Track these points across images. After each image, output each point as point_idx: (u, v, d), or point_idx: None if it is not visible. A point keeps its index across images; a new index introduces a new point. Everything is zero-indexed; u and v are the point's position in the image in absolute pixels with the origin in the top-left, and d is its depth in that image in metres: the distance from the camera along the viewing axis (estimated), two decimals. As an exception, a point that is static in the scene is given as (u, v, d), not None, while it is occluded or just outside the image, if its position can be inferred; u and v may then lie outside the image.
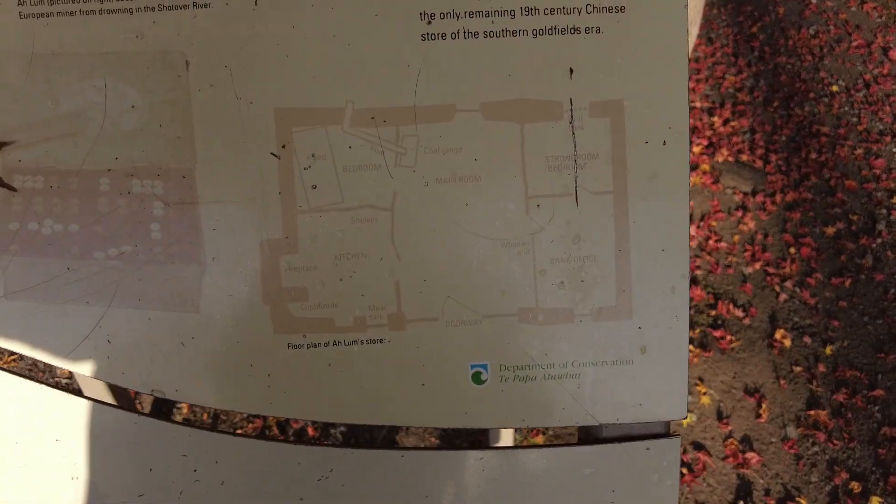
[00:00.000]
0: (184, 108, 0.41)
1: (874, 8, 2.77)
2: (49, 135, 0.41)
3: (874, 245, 1.96)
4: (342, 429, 1.36)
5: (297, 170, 0.42)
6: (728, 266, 1.89)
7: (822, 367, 1.66)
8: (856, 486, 1.47)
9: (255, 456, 0.44)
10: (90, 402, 0.44)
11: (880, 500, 1.44)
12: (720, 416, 1.57)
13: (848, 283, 1.85)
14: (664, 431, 0.46)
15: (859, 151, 2.23)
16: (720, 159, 2.16)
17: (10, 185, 0.42)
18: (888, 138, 2.27)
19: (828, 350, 1.71)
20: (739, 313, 1.76)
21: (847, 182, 2.13)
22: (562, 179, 0.42)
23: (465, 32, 0.41)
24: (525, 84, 0.42)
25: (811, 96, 2.45)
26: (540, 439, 1.42)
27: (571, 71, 0.42)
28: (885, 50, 2.60)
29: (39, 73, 0.41)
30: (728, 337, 1.72)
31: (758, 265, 1.89)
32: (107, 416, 0.45)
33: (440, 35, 0.41)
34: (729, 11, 2.90)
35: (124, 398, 0.70)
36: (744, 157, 2.20)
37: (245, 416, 1.34)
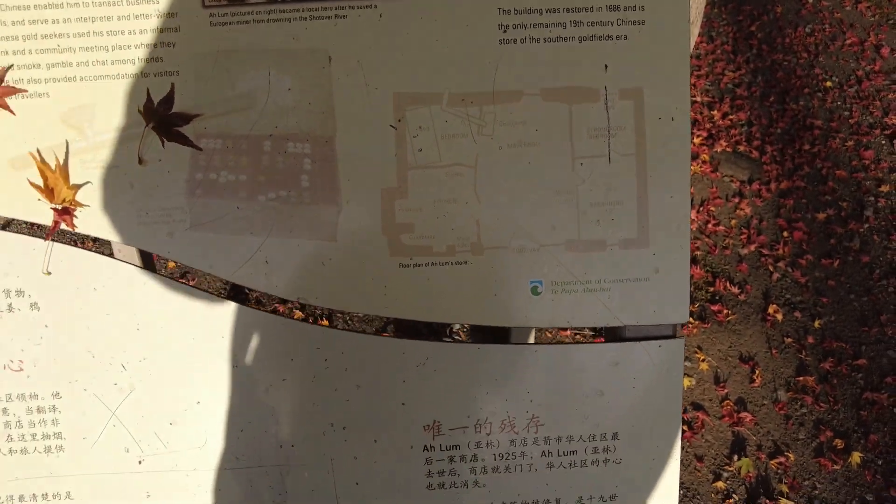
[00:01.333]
0: (327, 91, 0.59)
1: (868, 7, 2.95)
2: (227, 109, 0.58)
3: (861, 230, 2.13)
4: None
5: (408, 137, 0.59)
6: (725, 248, 2.07)
7: (810, 339, 1.84)
8: (839, 443, 1.65)
9: (371, 348, 0.61)
10: (250, 309, 0.61)
11: (861, 454, 1.62)
12: (717, 381, 1.75)
13: (836, 263, 2.03)
14: (672, 333, 0.63)
15: (850, 143, 2.41)
16: (719, 149, 2.34)
17: (197, 146, 0.59)
18: (878, 131, 2.45)
19: (816, 324, 1.89)
20: (735, 290, 1.94)
21: (838, 172, 2.31)
22: (598, 145, 0.60)
23: (530, 38, 0.59)
24: (573, 76, 0.59)
25: (806, 91, 2.63)
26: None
27: (606, 66, 0.59)
28: (878, 47, 2.77)
29: (222, 65, 0.58)
30: (725, 311, 1.90)
31: (753, 247, 2.07)
32: (261, 319, 0.62)
33: (513, 40, 0.59)
34: (729, 11, 3.07)
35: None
36: (741, 148, 2.37)
37: (361, 316, 1.66)
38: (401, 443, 0.62)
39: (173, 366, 0.62)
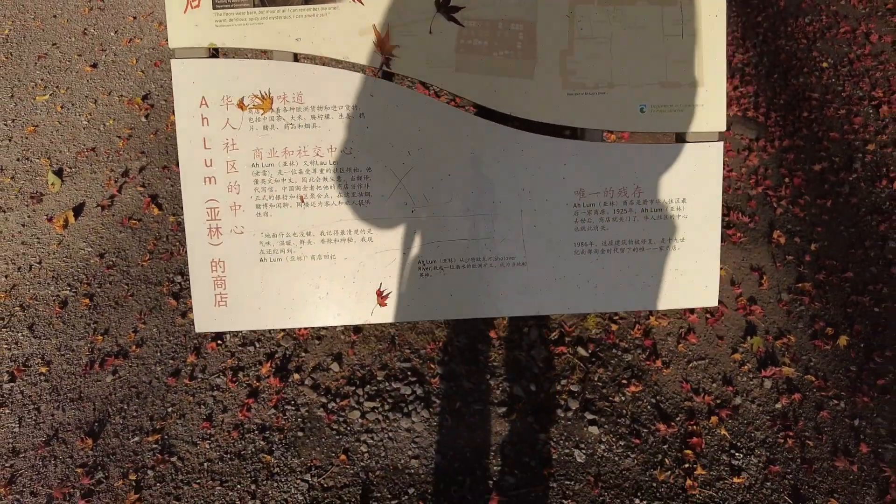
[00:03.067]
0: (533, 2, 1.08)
1: (860, 1, 3.46)
2: (481, 4, 1.08)
3: (851, 178, 2.62)
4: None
5: (575, 23, 1.08)
6: (737, 189, 2.56)
7: (807, 257, 2.32)
8: (830, 331, 2.12)
9: (458, 121, 1.08)
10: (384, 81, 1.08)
11: (847, 338, 2.10)
12: (733, 283, 2.23)
13: (829, 203, 2.52)
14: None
15: (842, 112, 2.91)
16: (731, 113, 2.84)
17: (461, 24, 1.08)
18: (866, 102, 2.95)
19: (812, 247, 2.37)
20: (746, 219, 2.43)
21: (832, 133, 2.81)
22: (677, 28, 1.09)
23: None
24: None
25: (805, 70, 3.13)
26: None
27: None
28: (867, 35, 3.28)
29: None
30: (738, 234, 2.38)
31: (760, 189, 2.56)
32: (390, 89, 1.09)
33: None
34: (739, 3, 3.59)
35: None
36: (749, 114, 2.88)
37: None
38: (561, 201, 1.10)
39: (435, 158, 1.09)
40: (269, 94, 1.05)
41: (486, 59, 1.07)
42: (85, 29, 3.40)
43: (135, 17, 3.47)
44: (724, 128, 1.09)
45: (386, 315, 1.12)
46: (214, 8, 1.03)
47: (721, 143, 1.10)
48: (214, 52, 1.06)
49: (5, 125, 2.84)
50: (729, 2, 3.57)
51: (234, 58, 1.05)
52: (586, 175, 1.08)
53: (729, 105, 2.91)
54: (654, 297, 1.12)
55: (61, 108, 2.92)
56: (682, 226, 1.12)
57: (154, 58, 3.20)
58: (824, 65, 3.15)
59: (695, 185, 1.10)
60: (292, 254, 1.09)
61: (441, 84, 1.03)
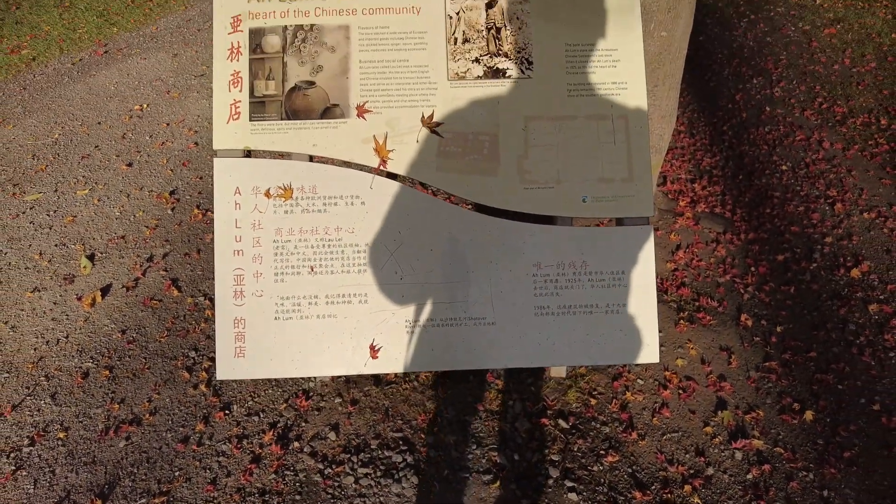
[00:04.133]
0: (495, 132, 1.41)
1: (812, 114, 3.92)
2: (457, 126, 1.41)
3: (811, 267, 2.89)
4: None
5: (527, 136, 1.41)
6: (707, 277, 2.82)
7: (773, 339, 2.54)
8: (797, 406, 2.29)
9: (438, 209, 1.36)
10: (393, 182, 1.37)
11: (813, 413, 2.26)
12: (703, 362, 2.43)
13: (792, 289, 2.77)
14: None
15: (801, 208, 3.24)
16: (699, 210, 3.17)
17: (440, 135, 1.41)
18: (822, 200, 3.29)
19: (778, 329, 2.59)
20: (715, 304, 2.67)
21: (792, 227, 3.11)
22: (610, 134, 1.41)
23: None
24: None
25: (766, 172, 3.51)
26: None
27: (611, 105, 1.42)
28: (820, 142, 3.70)
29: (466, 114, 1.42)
30: (707, 317, 2.61)
31: (728, 277, 2.82)
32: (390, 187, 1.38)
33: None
34: (706, 115, 4.07)
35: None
36: (717, 210, 3.21)
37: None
38: (522, 272, 1.35)
39: (420, 237, 1.37)
40: (290, 185, 1.35)
41: (461, 161, 1.38)
42: (124, 133, 3.87)
43: (168, 124, 3.95)
44: (651, 213, 1.37)
45: (377, 367, 1.34)
46: (251, 120, 1.36)
47: (650, 226, 1.38)
48: (248, 153, 1.38)
49: (48, 215, 3.20)
50: (698, 113, 4.03)
51: (263, 157, 1.37)
52: (542, 251, 1.35)
53: (698, 202, 3.26)
54: (602, 353, 1.34)
55: (98, 200, 3.29)
56: (622, 293, 1.37)
57: (182, 158, 3.63)
58: (783, 168, 3.53)
59: (630, 259, 1.37)
60: (301, 313, 1.34)
61: (425, 180, 1.33)
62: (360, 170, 1.34)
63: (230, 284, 1.31)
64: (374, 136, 1.33)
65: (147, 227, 3.13)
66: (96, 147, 3.73)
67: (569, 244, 1.31)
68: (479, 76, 1.34)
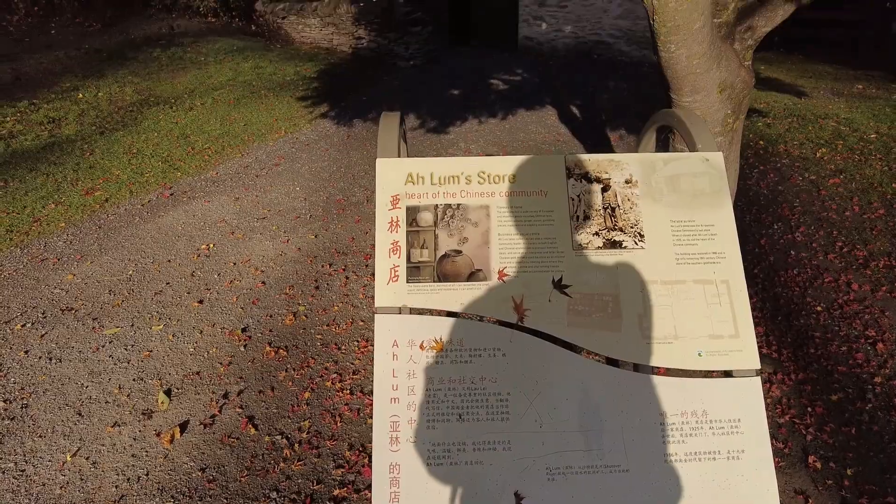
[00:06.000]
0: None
1: (835, 257, 4.24)
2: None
3: (867, 407, 3.01)
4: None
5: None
6: (767, 418, 2.92)
7: (846, 482, 2.60)
8: (884, 555, 2.30)
9: (571, 361, 1.54)
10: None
11: (902, 563, 2.27)
12: (782, 506, 2.47)
13: (853, 430, 2.86)
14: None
15: (844, 349, 3.42)
16: (749, 349, 3.34)
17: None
18: (862, 340, 3.48)
19: (848, 471, 2.65)
20: (780, 445, 2.76)
21: (839, 367, 3.27)
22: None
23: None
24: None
25: (803, 313, 3.73)
26: None
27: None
28: (849, 284, 3.97)
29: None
30: (776, 459, 2.68)
31: (787, 417, 2.93)
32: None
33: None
34: (734, 257, 4.38)
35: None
36: (764, 350, 3.38)
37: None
38: (650, 421, 1.51)
39: (555, 387, 1.54)
40: (441, 339, 1.56)
41: (588, 318, 1.59)
42: (193, 271, 4.15)
43: (234, 263, 4.24)
44: (758, 366, 1.56)
45: (521, 515, 1.44)
46: (407, 282, 1.60)
47: (758, 377, 1.56)
48: (406, 310, 1.59)
49: (125, 349, 3.37)
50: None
51: (418, 314, 1.58)
52: (667, 400, 1.52)
53: (744, 342, 3.43)
54: (728, 497, 1.45)
55: (172, 336, 3.48)
56: (740, 440, 1.52)
57: (252, 297, 3.86)
58: (818, 308, 3.76)
59: (744, 408, 1.53)
60: (451, 460, 1.47)
61: (558, 334, 1.54)
62: (501, 325, 1.54)
63: (387, 431, 1.46)
64: (511, 296, 1.55)
65: (221, 363, 3.28)
66: (167, 284, 3.99)
67: (690, 394, 1.48)
68: (599, 247, 1.60)
